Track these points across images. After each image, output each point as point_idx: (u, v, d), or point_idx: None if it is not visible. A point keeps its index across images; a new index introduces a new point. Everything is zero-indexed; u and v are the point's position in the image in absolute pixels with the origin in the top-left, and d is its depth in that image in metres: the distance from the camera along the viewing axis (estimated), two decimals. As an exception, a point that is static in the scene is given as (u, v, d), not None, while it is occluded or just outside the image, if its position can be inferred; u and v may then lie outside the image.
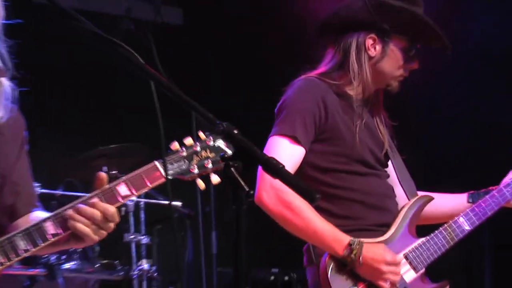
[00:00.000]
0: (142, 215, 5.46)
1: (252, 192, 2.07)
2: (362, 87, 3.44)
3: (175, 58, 5.53)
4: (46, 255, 4.84)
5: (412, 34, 3.45)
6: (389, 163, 3.56)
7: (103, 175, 2.60)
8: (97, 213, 2.56)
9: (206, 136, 2.71)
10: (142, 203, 5.49)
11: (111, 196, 2.59)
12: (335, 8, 3.50)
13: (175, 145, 2.67)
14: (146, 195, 5.46)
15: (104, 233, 2.59)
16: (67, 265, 5.01)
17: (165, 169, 2.68)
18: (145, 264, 5.29)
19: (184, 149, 2.67)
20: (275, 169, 2.13)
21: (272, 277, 6.43)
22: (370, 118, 3.50)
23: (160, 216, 5.84)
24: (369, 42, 3.43)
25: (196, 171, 2.67)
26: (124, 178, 2.60)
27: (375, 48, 3.43)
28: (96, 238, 2.57)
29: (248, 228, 2.09)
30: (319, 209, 3.28)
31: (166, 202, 5.38)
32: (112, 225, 2.59)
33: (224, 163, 2.12)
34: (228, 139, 2.14)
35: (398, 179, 3.56)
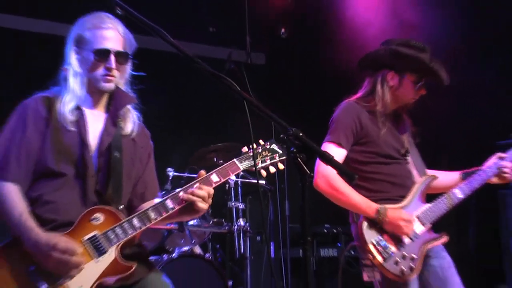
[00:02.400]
0: (240, 189, 5.46)
1: (312, 174, 2.08)
2: (386, 106, 3.44)
3: (260, 87, 5.54)
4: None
5: (418, 72, 3.42)
6: (409, 154, 3.52)
7: (202, 172, 2.70)
8: (205, 194, 2.62)
9: (265, 142, 2.83)
10: (239, 181, 5.46)
11: (207, 182, 2.67)
12: (367, 54, 3.52)
13: (245, 149, 2.76)
14: (242, 177, 5.48)
15: (207, 206, 2.67)
16: (191, 222, 5.03)
17: (255, 164, 2.74)
18: (241, 222, 5.27)
19: (251, 151, 2.78)
20: (328, 159, 2.13)
21: (325, 230, 6.40)
22: (394, 125, 3.50)
23: (251, 190, 5.85)
24: (390, 77, 3.44)
25: (259, 165, 2.79)
26: (214, 170, 2.71)
27: (393, 81, 3.43)
28: (205, 210, 2.66)
29: (309, 198, 2.09)
30: (359, 187, 3.34)
31: (255, 181, 5.39)
32: (211, 201, 2.68)
33: (293, 155, 2.12)
34: (296, 139, 2.12)
35: (413, 164, 3.52)
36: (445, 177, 3.62)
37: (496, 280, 5.80)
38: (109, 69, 2.67)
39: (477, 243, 5.92)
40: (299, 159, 2.09)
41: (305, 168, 2.08)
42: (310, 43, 7.09)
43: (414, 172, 3.51)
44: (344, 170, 2.25)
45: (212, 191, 2.66)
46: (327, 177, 3.26)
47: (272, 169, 2.82)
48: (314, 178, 3.28)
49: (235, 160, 2.75)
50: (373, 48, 3.57)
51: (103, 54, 2.66)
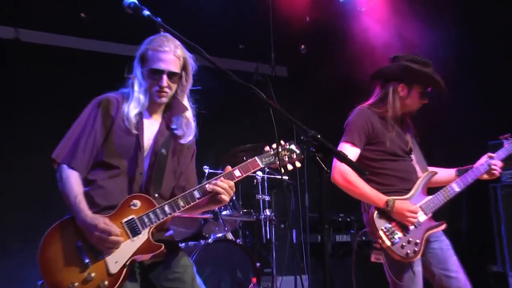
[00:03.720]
0: (266, 184, 5.46)
1: (329, 171, 2.08)
2: (395, 112, 3.45)
3: (282, 96, 5.53)
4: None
5: (424, 84, 3.44)
6: (413, 153, 3.53)
7: (228, 167, 2.73)
8: (224, 185, 2.65)
9: (285, 142, 2.83)
10: (266, 177, 5.45)
11: (230, 177, 2.70)
12: (381, 68, 3.56)
13: (267, 148, 2.77)
14: (268, 173, 5.47)
15: (229, 197, 2.69)
16: (224, 212, 5.06)
17: (280, 163, 2.75)
18: (267, 212, 5.27)
19: (272, 150, 2.77)
20: (343, 157, 2.13)
21: (340, 219, 6.36)
22: (400, 127, 3.51)
23: (276, 184, 5.84)
24: (400, 88, 3.45)
25: (278, 162, 2.78)
26: (237, 166, 2.73)
27: (403, 92, 3.45)
28: (227, 200, 2.69)
29: (326, 191, 2.08)
30: (370, 181, 3.36)
31: (279, 176, 5.38)
32: (232, 192, 2.70)
33: (312, 154, 2.12)
34: (314, 140, 2.12)
35: (416, 161, 3.52)
36: (443, 173, 3.61)
37: (488, 261, 5.75)
38: (161, 87, 2.71)
39: (469, 229, 5.87)
40: (317, 157, 2.09)
41: (323, 165, 2.08)
42: (326, 57, 7.06)
43: (417, 168, 3.51)
44: (356, 166, 2.25)
45: (232, 183, 2.69)
46: (343, 172, 3.28)
47: (290, 167, 2.83)
48: (332, 174, 3.30)
49: (256, 158, 2.78)
50: (379, 61, 3.58)
51: (157, 73, 2.70)
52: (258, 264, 4.90)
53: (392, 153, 3.41)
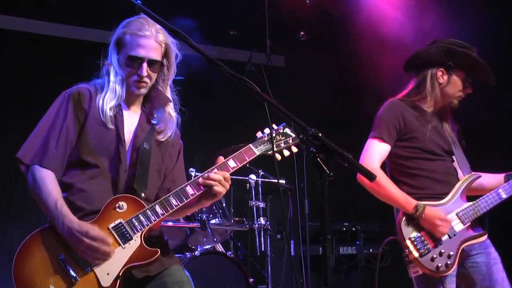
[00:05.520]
0: (260, 189, 5.46)
1: (331, 174, 2.06)
2: (433, 102, 3.45)
3: (279, 88, 5.53)
4: (200, 214, 4.91)
5: (468, 70, 3.44)
6: (455, 153, 3.50)
7: (221, 158, 2.75)
8: (220, 177, 2.66)
9: (278, 126, 2.84)
10: (260, 181, 5.45)
11: (224, 167, 2.70)
12: (416, 52, 3.54)
13: (259, 134, 2.80)
14: (262, 176, 5.48)
15: (225, 190, 2.69)
16: (213, 221, 5.05)
17: (273, 146, 2.76)
18: (262, 220, 5.26)
19: (265, 135, 2.79)
20: (347, 158, 2.12)
21: (344, 228, 6.38)
22: (439, 123, 3.49)
23: (271, 189, 5.84)
24: (439, 73, 3.45)
25: (274, 148, 2.77)
26: (231, 156, 2.74)
27: (443, 78, 3.45)
28: (223, 192, 2.69)
29: (329, 197, 2.08)
30: (401, 183, 3.38)
31: (275, 180, 5.38)
32: (228, 184, 2.69)
33: (312, 155, 2.11)
34: (315, 139, 2.11)
35: (458, 163, 3.50)
36: (488, 178, 3.57)
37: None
38: (140, 76, 2.70)
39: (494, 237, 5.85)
40: (318, 158, 2.08)
41: (325, 167, 2.07)
42: (328, 45, 7.07)
43: (459, 171, 3.48)
44: (363, 169, 2.23)
45: (227, 175, 2.69)
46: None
47: (286, 153, 2.84)
48: (358, 176, 3.28)
49: (250, 145, 2.78)
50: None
51: (135, 61, 2.69)
52: (251, 280, 4.90)
53: (428, 151, 3.37)
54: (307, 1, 6.73)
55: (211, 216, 5.04)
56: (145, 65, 2.68)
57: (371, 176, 2.22)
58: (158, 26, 2.70)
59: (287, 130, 2.85)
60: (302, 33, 7.09)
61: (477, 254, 3.33)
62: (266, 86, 4.19)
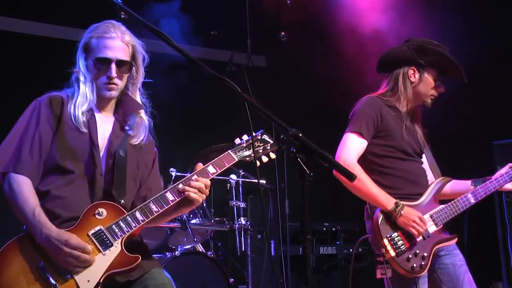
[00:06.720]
0: (241, 189, 5.46)
1: (312, 174, 2.07)
2: (406, 102, 3.45)
3: (260, 88, 5.54)
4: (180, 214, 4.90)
5: (439, 68, 3.44)
6: (424, 155, 3.52)
7: (200, 164, 2.74)
8: (201, 185, 2.66)
9: (255, 133, 2.85)
10: (240, 181, 5.46)
11: (204, 174, 2.70)
12: (387, 51, 3.54)
13: (238, 140, 2.80)
14: (243, 176, 5.48)
15: (204, 197, 2.69)
16: (193, 221, 5.05)
17: (255, 157, 2.75)
18: (242, 220, 5.28)
19: (243, 142, 2.80)
20: (327, 158, 2.13)
21: (324, 228, 6.40)
22: (411, 123, 3.48)
23: (252, 189, 5.85)
24: (411, 72, 3.45)
25: (253, 155, 2.79)
26: (211, 162, 2.74)
27: (414, 76, 3.45)
28: (201, 200, 2.68)
29: (309, 197, 2.09)
30: (374, 181, 3.31)
31: (256, 180, 5.39)
32: (207, 191, 2.69)
33: (293, 155, 2.12)
34: (295, 139, 2.11)
35: (429, 165, 3.53)
36: (457, 184, 3.61)
37: (492, 278, 5.78)
38: (109, 78, 2.68)
39: (470, 240, 5.93)
40: (298, 159, 2.08)
41: (305, 167, 2.07)
42: (309, 46, 7.10)
43: (429, 173, 3.51)
44: (343, 169, 2.23)
45: (208, 182, 2.69)
46: (349, 168, 3.19)
47: (265, 159, 2.85)
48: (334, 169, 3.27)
49: (229, 151, 2.78)
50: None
51: (104, 63, 2.68)
52: (231, 280, 4.90)
53: (401, 150, 3.38)
54: (288, 2, 6.75)
55: (191, 216, 5.04)
56: (113, 66, 2.68)
57: (351, 177, 2.21)
58: (124, 28, 2.71)
59: (265, 137, 2.87)
60: (283, 33, 7.12)
61: (445, 255, 3.35)
62: (247, 86, 4.19)
